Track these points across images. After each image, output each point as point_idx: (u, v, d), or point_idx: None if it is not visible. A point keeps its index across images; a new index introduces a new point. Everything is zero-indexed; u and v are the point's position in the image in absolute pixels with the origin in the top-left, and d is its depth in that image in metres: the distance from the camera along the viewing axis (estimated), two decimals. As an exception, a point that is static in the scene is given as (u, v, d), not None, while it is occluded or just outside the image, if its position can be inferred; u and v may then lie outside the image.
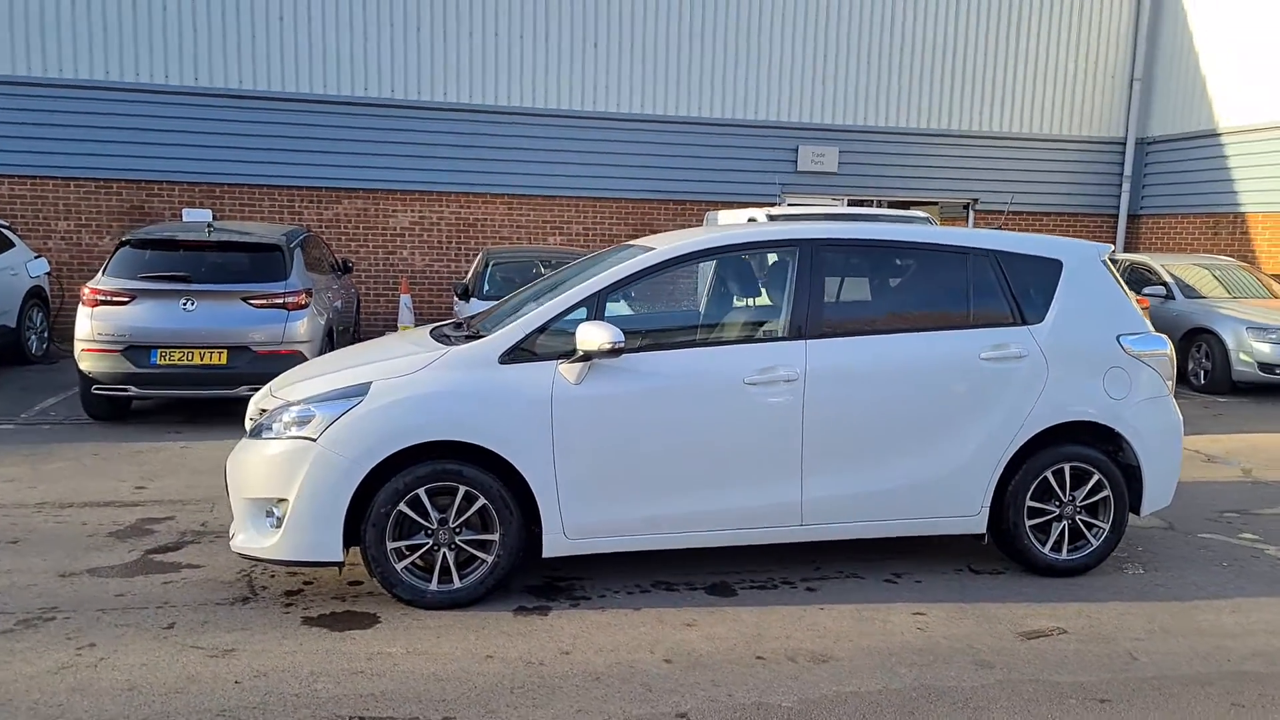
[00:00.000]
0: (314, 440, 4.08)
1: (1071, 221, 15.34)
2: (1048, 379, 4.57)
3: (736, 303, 4.66)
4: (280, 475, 4.11)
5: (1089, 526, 4.71)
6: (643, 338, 4.47)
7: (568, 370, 4.21)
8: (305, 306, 8.34)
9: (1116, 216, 15.44)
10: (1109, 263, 4.89)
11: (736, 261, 4.56)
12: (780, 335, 4.44)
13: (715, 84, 14.21)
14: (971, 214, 15.19)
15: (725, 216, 11.44)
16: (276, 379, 4.79)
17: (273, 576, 4.56)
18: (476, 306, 9.44)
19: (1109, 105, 15.31)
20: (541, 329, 4.28)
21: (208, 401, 8.69)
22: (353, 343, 11.08)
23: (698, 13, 14.05)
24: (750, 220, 10.28)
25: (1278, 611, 4.35)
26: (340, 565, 4.18)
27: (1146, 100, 15.15)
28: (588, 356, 4.16)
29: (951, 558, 4.95)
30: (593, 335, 4.08)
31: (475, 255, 13.93)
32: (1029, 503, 4.63)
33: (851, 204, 14.43)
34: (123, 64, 12.68)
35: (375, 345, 5.06)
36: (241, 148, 13.13)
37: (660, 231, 14.23)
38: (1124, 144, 15.30)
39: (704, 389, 4.31)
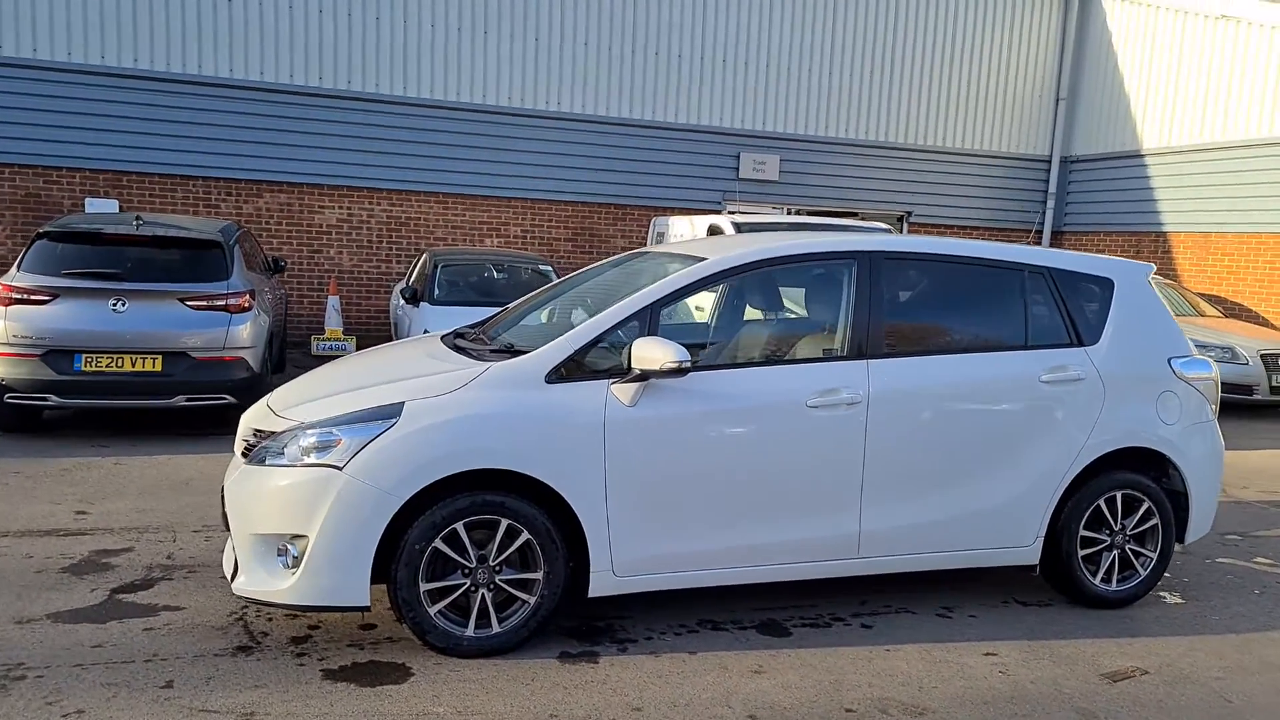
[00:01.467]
0: (339, 469, 3.56)
1: (1000, 237, 15.68)
2: (1105, 403, 4.42)
3: (791, 318, 4.35)
4: (298, 508, 3.58)
5: (1137, 556, 4.59)
6: (694, 354, 4.11)
7: (621, 391, 3.81)
8: (249, 309, 7.64)
9: (1041, 232, 15.88)
10: (1152, 282, 4.79)
11: (793, 273, 4.25)
12: (841, 354, 4.15)
13: (659, 87, 13.93)
14: (905, 226, 15.36)
15: (679, 224, 11.16)
16: (274, 396, 4.21)
17: (269, 619, 4.00)
18: (430, 311, 8.89)
19: (1035, 124, 15.74)
20: (591, 345, 3.87)
21: (135, 412, 7.87)
22: (282, 350, 10.33)
23: (642, 14, 13.75)
24: (712, 228, 10.04)
25: (1326, 640, 4.32)
26: (365, 610, 3.66)
27: (1071, 120, 15.63)
28: (645, 376, 3.77)
29: (992, 588, 4.76)
30: (653, 353, 3.70)
31: (409, 256, 13.27)
32: (1081, 532, 4.47)
33: (794, 212, 14.36)
34: (18, 38, 11.51)
35: (383, 357, 4.53)
36: (151, 133, 12.12)
37: (600, 235, 13.85)
38: (1049, 161, 15.75)
39: (764, 412, 3.98)
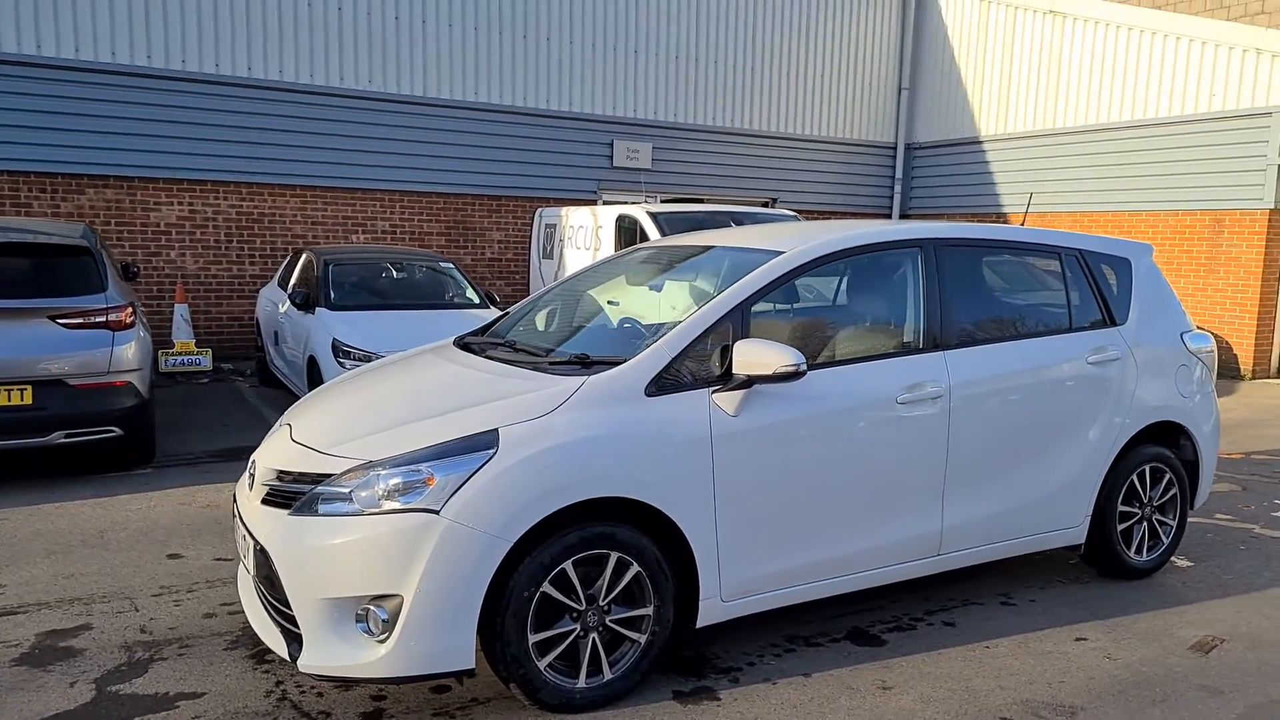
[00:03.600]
0: (436, 512, 3.03)
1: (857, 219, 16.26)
2: (1137, 381, 4.53)
3: (862, 310, 4.15)
4: (387, 564, 3.01)
5: (1161, 525, 4.75)
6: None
7: (725, 400, 3.48)
8: (131, 325, 6.62)
9: (890, 216, 16.62)
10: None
11: (864, 263, 4.04)
12: (919, 347, 4.00)
13: (529, 72, 13.40)
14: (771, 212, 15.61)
15: (577, 215, 10.78)
16: (302, 428, 3.56)
17: (319, 694, 3.39)
18: (330, 318, 8.05)
19: (881, 112, 16.42)
20: (687, 350, 3.50)
21: (-4, 452, 6.65)
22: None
23: (507, -5, 13.16)
24: (621, 218, 9.72)
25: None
26: (471, 674, 3.15)
27: (913, 108, 16.42)
28: (750, 382, 3.46)
29: (1026, 571, 4.79)
30: (764, 356, 3.39)
31: (265, 256, 12.10)
32: (1120, 507, 4.57)
33: (666, 200, 14.24)
34: None
35: (414, 376, 3.91)
36: (-59, 121, 10.36)
37: (475, 229, 13.21)
38: (894, 148, 16.49)
39: (859, 412, 3.76)
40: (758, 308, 3.68)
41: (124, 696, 3.36)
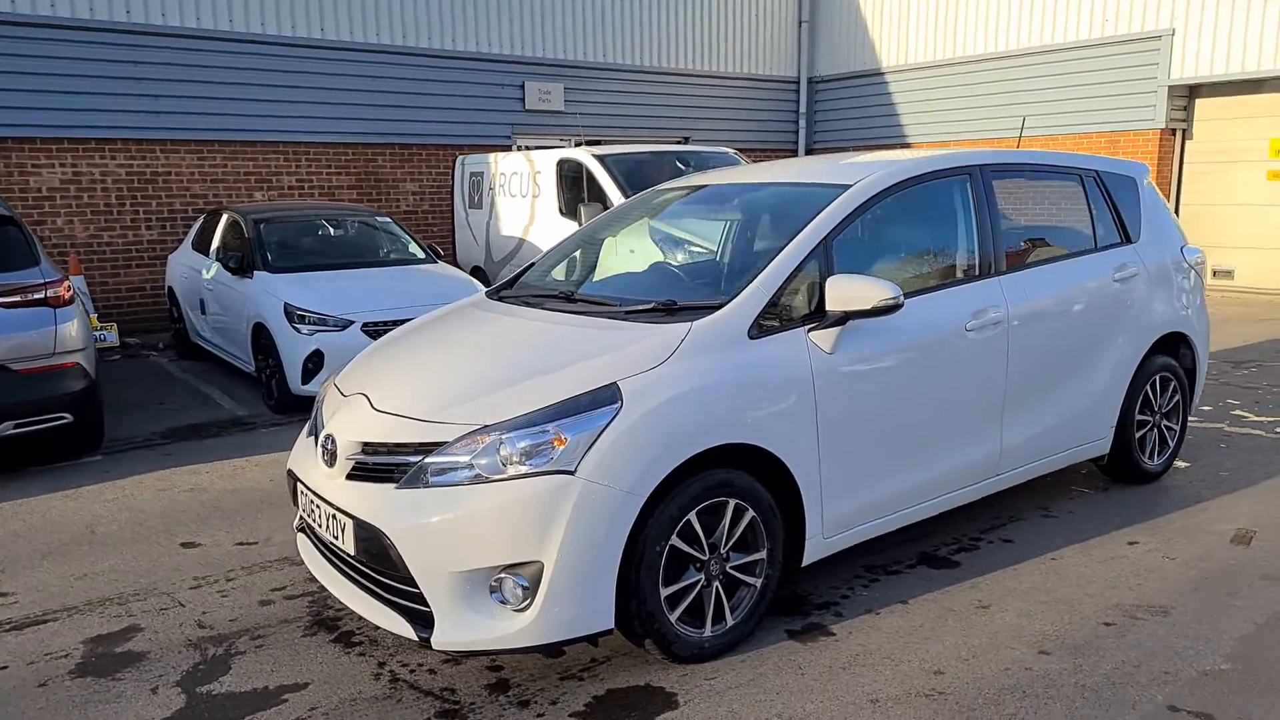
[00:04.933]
0: (572, 473, 2.90)
1: (762, 157, 16.37)
2: (1152, 295, 4.75)
3: (924, 240, 4.15)
4: (524, 530, 2.87)
5: (1168, 430, 5.03)
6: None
7: (822, 338, 3.45)
8: (71, 301, 6.06)
9: (796, 151, 16.80)
10: (1150, 180, 5.18)
11: (923, 192, 4.02)
12: (977, 274, 4.06)
13: (436, 12, 12.76)
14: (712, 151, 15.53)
15: (509, 161, 10.42)
16: (384, 397, 3.32)
17: (432, 671, 3.23)
18: (272, 281, 7.56)
19: (783, 46, 16.47)
20: (782, 289, 3.44)
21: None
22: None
23: (405, -71, 12.43)
24: (563, 163, 9.44)
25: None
26: (609, 634, 3.06)
27: (814, 42, 16.54)
28: (846, 318, 3.44)
29: (1053, 488, 5.00)
30: (860, 291, 3.36)
31: (162, 219, 11.24)
32: (1137, 415, 4.81)
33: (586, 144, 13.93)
34: None
35: (476, 330, 3.71)
36: None
37: (387, 180, 12.63)
38: (798, 83, 16.61)
39: (936, 340, 3.81)
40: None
41: (220, 697, 3.12)
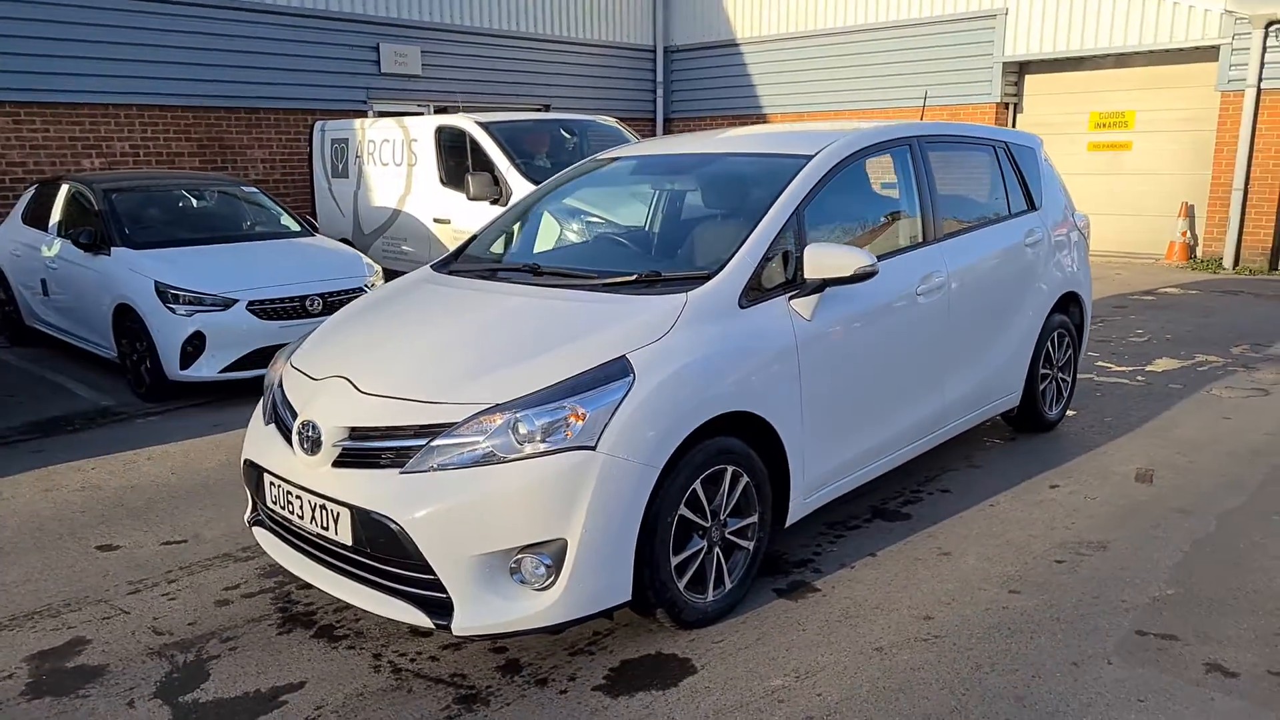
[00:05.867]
0: (593, 448, 2.86)
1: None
2: (1053, 258, 5.14)
3: (876, 208, 4.29)
4: (548, 509, 2.82)
5: (1063, 383, 5.48)
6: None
7: (802, 306, 3.54)
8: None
9: (654, 120, 16.92)
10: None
11: (872, 163, 4.15)
12: (922, 240, 4.27)
13: (279, -33, 11.97)
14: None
15: (382, 129, 9.97)
16: (370, 379, 3.14)
17: (434, 659, 3.13)
18: (135, 259, 6.96)
19: (639, 15, 16.48)
20: (765, 259, 3.50)
21: None
22: None
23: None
24: (442, 130, 9.12)
25: (1229, 410, 5.61)
26: (627, 605, 3.06)
27: (669, 11, 16.64)
28: (824, 286, 3.55)
29: (968, 441, 5.32)
30: (836, 260, 3.47)
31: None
32: (1040, 369, 5.21)
33: (450, 110, 13.51)
34: None
35: (451, 306, 3.57)
36: None
37: (233, 147, 11.83)
38: (654, 51, 16.70)
39: (894, 305, 3.99)
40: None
41: (208, 705, 2.90)
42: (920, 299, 4.12)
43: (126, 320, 6.88)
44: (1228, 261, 11.86)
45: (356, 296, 7.09)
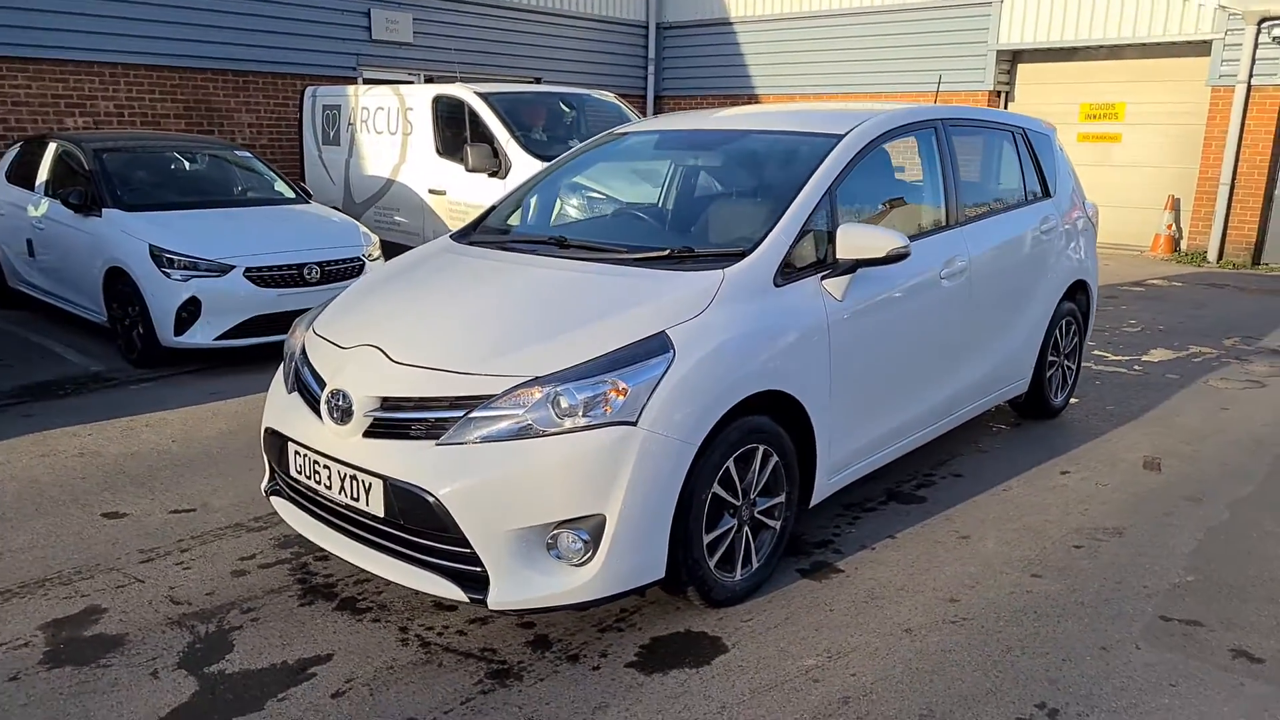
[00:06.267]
0: (634, 424, 2.83)
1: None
2: (1066, 246, 5.16)
3: (902, 190, 4.26)
4: (588, 483, 2.80)
5: (1069, 370, 5.52)
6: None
7: (834, 286, 3.52)
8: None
9: (645, 97, 16.79)
10: (1056, 137, 5.58)
11: (899, 145, 4.12)
12: (945, 224, 4.26)
13: (270, -73, 11.70)
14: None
15: (375, 96, 9.80)
16: (402, 348, 3.09)
17: (461, 633, 3.10)
18: (129, 221, 6.81)
19: (631, -11, 16.31)
20: (799, 238, 3.47)
21: None
22: None
23: None
24: (439, 100, 8.99)
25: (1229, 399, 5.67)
26: (660, 583, 3.04)
27: (662, -14, 16.49)
28: (856, 266, 3.53)
29: (975, 427, 5.34)
30: (873, 240, 3.45)
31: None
32: (1049, 356, 5.24)
33: (430, 80, 13.32)
34: None
35: (480, 276, 3.52)
36: None
37: (219, 110, 11.58)
38: (646, 27, 16.55)
39: (919, 288, 3.98)
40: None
41: (235, 676, 2.86)
42: (944, 283, 4.12)
43: (118, 284, 6.73)
44: (1212, 255, 12.01)
45: (355, 266, 7.02)
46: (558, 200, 4.39)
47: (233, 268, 6.51)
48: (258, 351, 6.68)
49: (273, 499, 3.52)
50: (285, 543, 3.77)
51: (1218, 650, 3.02)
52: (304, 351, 3.45)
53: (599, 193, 4.36)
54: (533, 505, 2.79)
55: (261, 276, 6.57)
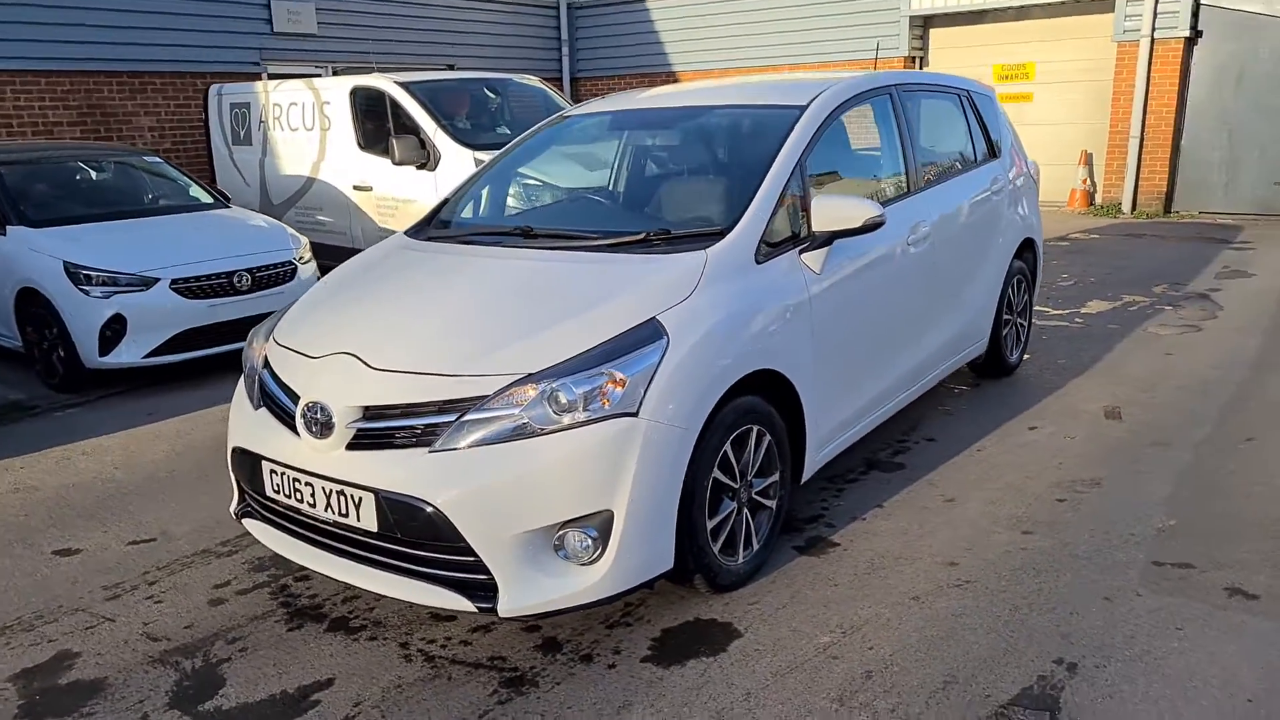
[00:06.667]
0: (635, 414, 2.75)
1: (527, 84, 15.96)
2: (1014, 207, 5.23)
3: (863, 159, 4.23)
4: (594, 480, 2.71)
5: (1021, 327, 5.62)
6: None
7: (812, 259, 3.48)
8: None
9: (561, 79, 16.56)
10: (993, 97, 5.64)
11: (858, 113, 4.08)
12: (907, 191, 4.26)
13: (159, -82, 11.11)
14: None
15: (288, 92, 9.42)
16: (381, 355, 2.93)
17: (465, 644, 2.99)
18: (37, 237, 6.41)
19: (540, -30, 16.02)
20: (774, 213, 3.41)
21: None
22: None
23: None
24: (358, 92, 8.66)
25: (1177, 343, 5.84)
26: (668, 574, 2.97)
27: (571, -34, 16.24)
28: (832, 238, 3.50)
29: (934, 389, 5.42)
30: (847, 211, 3.42)
31: None
32: (1004, 315, 5.32)
33: (339, 73, 12.87)
34: None
35: (446, 273, 3.38)
36: None
37: (116, 115, 11.02)
38: (558, 8, 16.29)
39: (888, 256, 3.97)
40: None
41: (233, 711, 2.69)
42: (911, 249, 4.12)
43: (31, 306, 6.34)
44: (1126, 206, 12.43)
45: (287, 270, 6.74)
46: (514, 189, 4.25)
47: (158, 280, 6.18)
48: (187, 367, 6.37)
49: (245, 521, 3.33)
50: (259, 565, 3.58)
51: (1213, 590, 3.10)
52: (267, 364, 3.27)
53: (556, 179, 4.24)
54: (537, 507, 2.69)
55: (190, 288, 6.26)
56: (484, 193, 4.24)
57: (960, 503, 3.87)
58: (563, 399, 2.72)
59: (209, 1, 11.60)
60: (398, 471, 2.74)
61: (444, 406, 2.77)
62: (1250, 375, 5.35)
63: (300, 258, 6.97)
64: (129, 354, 6.12)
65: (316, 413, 2.89)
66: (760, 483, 3.31)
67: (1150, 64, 11.88)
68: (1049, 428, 4.68)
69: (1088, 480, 4.03)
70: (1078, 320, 6.85)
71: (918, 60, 13.85)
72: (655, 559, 2.86)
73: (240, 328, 6.48)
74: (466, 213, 4.12)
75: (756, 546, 3.32)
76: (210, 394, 6.00)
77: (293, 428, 2.99)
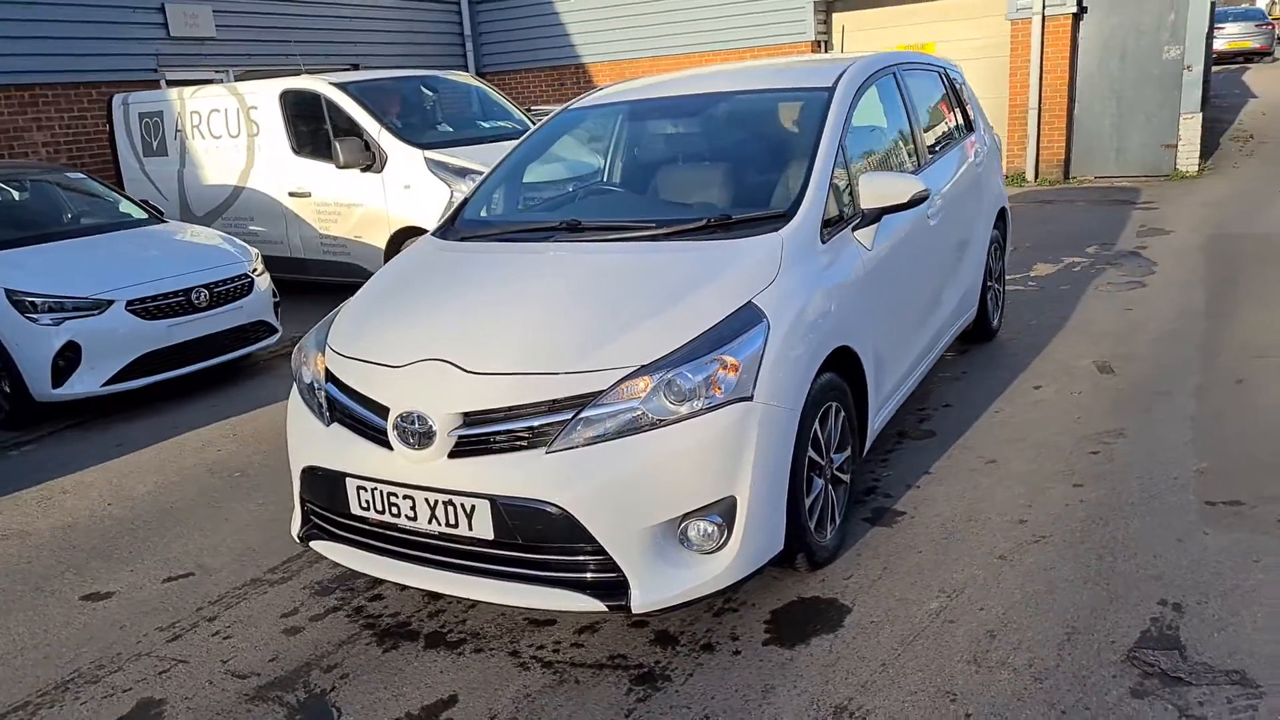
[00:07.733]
0: (750, 398, 2.75)
1: (433, 82, 15.61)
2: (991, 177, 5.43)
3: (881, 135, 4.29)
4: (718, 467, 2.70)
5: (998, 293, 5.85)
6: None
7: (864, 235, 3.55)
8: None
9: (467, 73, 16.22)
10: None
11: (874, 91, 4.13)
12: (919, 166, 4.37)
13: (38, -82, 10.34)
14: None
15: (208, 99, 8.96)
16: (477, 357, 2.83)
17: (578, 646, 2.94)
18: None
19: (436, -36, 15.66)
20: (829, 193, 3.45)
21: None
22: None
23: None
24: (288, 94, 8.28)
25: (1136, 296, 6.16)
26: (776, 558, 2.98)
27: (468, -41, 15.92)
28: (881, 214, 3.57)
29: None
30: (894, 187, 3.50)
31: None
32: (986, 282, 5.53)
33: (242, 77, 12.32)
34: None
35: (512, 271, 3.28)
36: None
37: (7, 131, 10.27)
38: (459, 3, 15.97)
39: (915, 229, 4.07)
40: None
41: (364, 744, 2.57)
42: (930, 221, 4.24)
43: (-33, 333, 5.85)
44: (1030, 174, 13.05)
45: (244, 284, 6.44)
46: (542, 183, 4.16)
47: (112, 302, 5.81)
48: (134, 395, 5.99)
49: (315, 545, 3.17)
50: (324, 589, 3.42)
51: (1271, 524, 3.30)
52: (331, 377, 3.12)
53: (581, 171, 4.17)
54: (664, 498, 2.66)
55: (147, 308, 5.91)
56: (508, 189, 4.14)
57: (1003, 463, 4.01)
58: (680, 387, 2.69)
59: (100, 7, 10.89)
60: (515, 475, 2.66)
61: (555, 405, 2.70)
62: (1211, 324, 5.71)
63: (255, 270, 6.66)
64: (85, 383, 5.73)
65: (413, 423, 2.78)
66: (839, 458, 3.36)
67: (1043, 40, 12.49)
68: (1052, 386, 4.89)
69: (1111, 431, 4.23)
70: (1031, 283, 7.17)
71: (823, 44, 14.18)
72: (773, 542, 2.87)
73: (201, 347, 6.16)
74: (498, 210, 4.02)
75: (839, 521, 3.37)
76: (176, 419, 5.68)
77: (379, 441, 2.87)
